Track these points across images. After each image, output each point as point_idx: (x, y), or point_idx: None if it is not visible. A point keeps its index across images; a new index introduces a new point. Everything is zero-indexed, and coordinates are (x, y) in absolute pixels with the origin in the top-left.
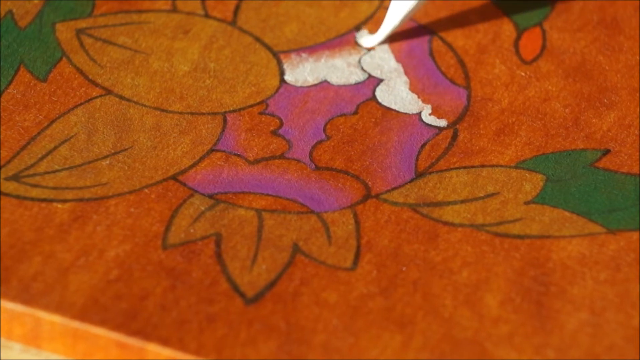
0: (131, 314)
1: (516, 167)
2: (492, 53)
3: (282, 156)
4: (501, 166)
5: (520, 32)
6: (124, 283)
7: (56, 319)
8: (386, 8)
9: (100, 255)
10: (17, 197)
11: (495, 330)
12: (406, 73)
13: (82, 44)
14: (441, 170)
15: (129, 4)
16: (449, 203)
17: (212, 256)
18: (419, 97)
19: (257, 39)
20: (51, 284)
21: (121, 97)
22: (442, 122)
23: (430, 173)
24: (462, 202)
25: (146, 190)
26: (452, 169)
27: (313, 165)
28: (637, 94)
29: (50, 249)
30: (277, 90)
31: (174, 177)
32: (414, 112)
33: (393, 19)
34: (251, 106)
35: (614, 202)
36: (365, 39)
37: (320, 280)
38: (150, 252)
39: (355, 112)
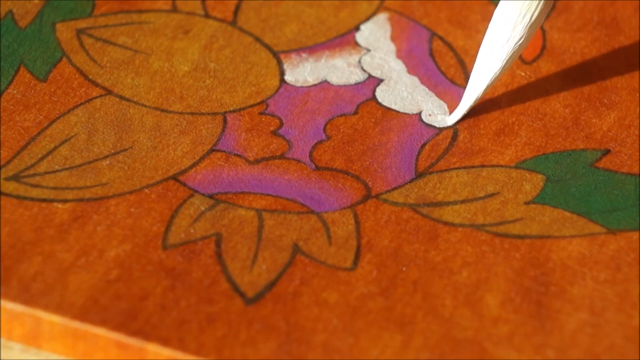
0: (131, 314)
1: (516, 167)
2: None
3: (282, 156)
4: (501, 166)
5: None
6: (124, 283)
7: (56, 319)
8: (386, 8)
9: (100, 255)
10: (17, 197)
11: (495, 330)
12: (406, 73)
13: (82, 44)
14: (441, 171)
15: (129, 4)
16: (449, 203)
17: (212, 256)
18: (419, 97)
19: (257, 39)
20: (51, 284)
21: (121, 97)
22: (442, 123)
23: (430, 173)
24: (462, 202)
25: (146, 190)
26: (452, 169)
27: (313, 166)
28: (637, 94)
29: (50, 249)
30: (277, 90)
31: (174, 177)
32: (414, 112)
33: (473, 94)
34: (251, 106)
35: (614, 202)
36: (451, 117)
37: (320, 280)
38: (150, 252)
39: (356, 112)
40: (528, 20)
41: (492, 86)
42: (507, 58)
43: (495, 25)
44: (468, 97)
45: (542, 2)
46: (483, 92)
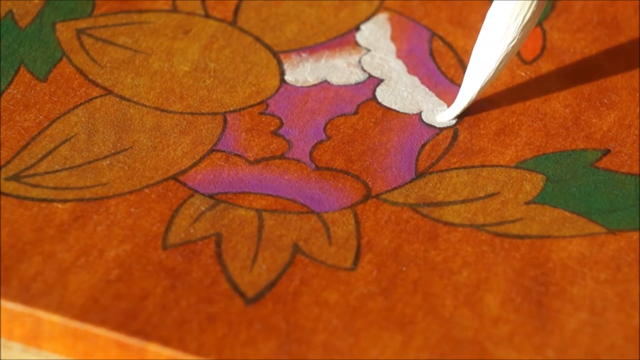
0: (131, 314)
1: (516, 167)
2: None
3: (282, 156)
4: (501, 166)
5: None
6: (124, 283)
7: (56, 319)
8: (386, 8)
9: (100, 255)
10: (18, 197)
11: (496, 330)
12: (406, 73)
13: (82, 44)
14: (441, 171)
15: (129, 4)
16: (449, 203)
17: (213, 256)
18: (419, 97)
19: (257, 39)
20: (51, 284)
21: (121, 97)
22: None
23: (430, 173)
24: (463, 202)
25: (146, 190)
26: (452, 169)
27: (313, 166)
28: (637, 94)
29: (51, 249)
30: (277, 90)
31: (174, 177)
32: (414, 112)
33: (466, 95)
34: (251, 106)
35: (614, 202)
36: (440, 114)
37: (320, 280)
38: (151, 252)
39: (356, 112)
40: (521, 22)
41: (487, 87)
42: (500, 59)
43: (488, 26)
44: (461, 98)
45: (534, 3)
46: (477, 94)
